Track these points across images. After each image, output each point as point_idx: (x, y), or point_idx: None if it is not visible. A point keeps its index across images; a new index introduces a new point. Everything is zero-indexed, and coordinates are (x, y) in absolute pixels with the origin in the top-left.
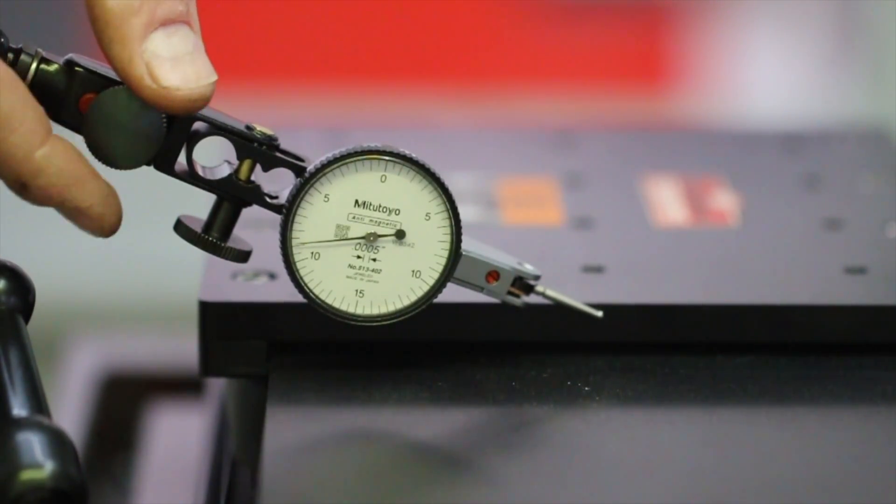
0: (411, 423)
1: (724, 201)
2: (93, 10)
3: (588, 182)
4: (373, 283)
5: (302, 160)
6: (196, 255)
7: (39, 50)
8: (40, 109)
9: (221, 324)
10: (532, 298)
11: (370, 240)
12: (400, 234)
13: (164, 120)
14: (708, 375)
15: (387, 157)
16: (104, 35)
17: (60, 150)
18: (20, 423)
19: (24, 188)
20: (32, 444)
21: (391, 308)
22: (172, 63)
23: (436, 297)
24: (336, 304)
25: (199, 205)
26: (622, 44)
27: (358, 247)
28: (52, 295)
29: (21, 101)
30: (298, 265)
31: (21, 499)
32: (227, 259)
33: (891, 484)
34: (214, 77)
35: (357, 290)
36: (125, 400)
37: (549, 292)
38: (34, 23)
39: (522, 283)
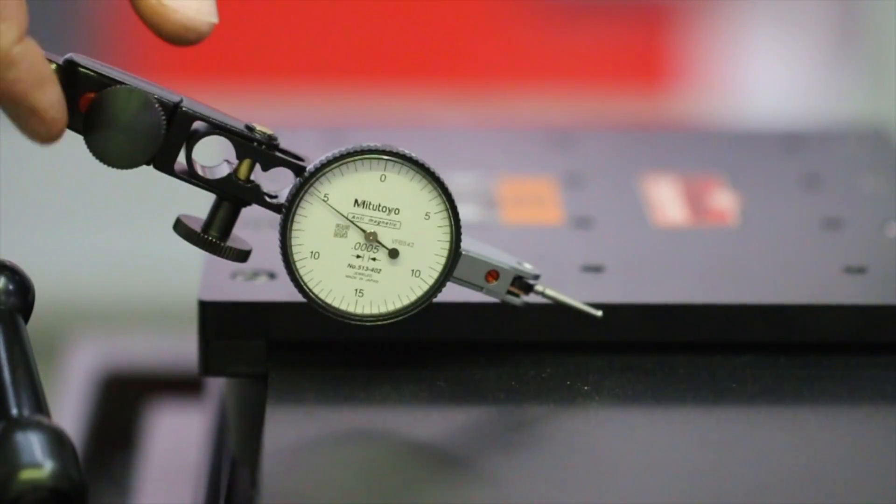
0: (411, 422)
1: (724, 201)
2: None
3: (588, 182)
4: (372, 282)
5: (301, 160)
6: (196, 255)
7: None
8: (25, 6)
9: (221, 323)
10: (532, 298)
11: (370, 239)
12: (394, 254)
13: (164, 119)
14: (707, 375)
15: (386, 157)
16: None
17: (33, 50)
18: (20, 423)
19: None
20: (32, 444)
21: (391, 307)
22: None
23: (435, 297)
24: (335, 304)
25: (199, 205)
26: (622, 44)
27: (357, 246)
28: (52, 295)
29: (16, 1)
30: (298, 264)
31: (21, 498)
32: (226, 258)
33: (891, 484)
34: (215, 19)
35: (356, 290)
36: (125, 400)
37: (549, 292)
38: (34, 23)
39: (522, 283)
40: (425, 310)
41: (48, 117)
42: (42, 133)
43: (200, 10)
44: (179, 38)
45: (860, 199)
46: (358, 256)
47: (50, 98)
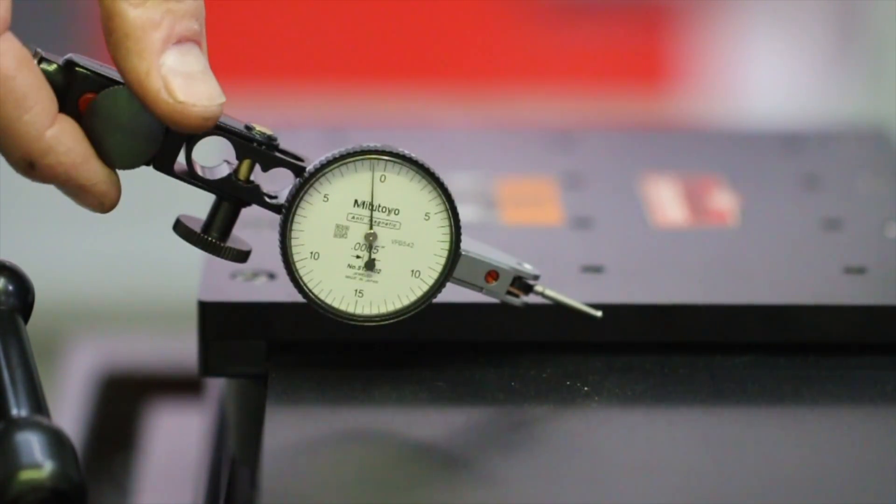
0: (411, 423)
1: (724, 201)
2: (112, 21)
3: (587, 182)
4: (372, 282)
5: (301, 160)
6: (196, 255)
7: (39, 50)
8: (51, 90)
9: (221, 324)
10: (531, 298)
11: (369, 240)
12: (370, 265)
13: None
14: (707, 375)
15: (386, 157)
16: (122, 46)
17: (68, 130)
18: (19, 423)
19: (32, 167)
20: (31, 444)
21: (390, 308)
22: (185, 80)
23: (435, 297)
24: (335, 304)
25: (199, 205)
26: (622, 44)
27: (357, 247)
28: (52, 295)
29: (37, 81)
30: (298, 265)
31: (20, 499)
32: (226, 259)
33: (891, 484)
34: (223, 99)
35: (356, 290)
36: (125, 400)
37: (549, 292)
38: (34, 23)
39: (522, 283)
40: (425, 310)
41: (97, 191)
42: (95, 206)
43: (212, 95)
44: (200, 128)
45: (860, 199)
46: (358, 257)
47: (96, 173)
